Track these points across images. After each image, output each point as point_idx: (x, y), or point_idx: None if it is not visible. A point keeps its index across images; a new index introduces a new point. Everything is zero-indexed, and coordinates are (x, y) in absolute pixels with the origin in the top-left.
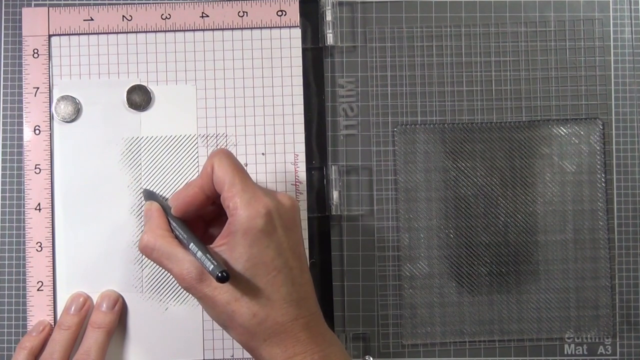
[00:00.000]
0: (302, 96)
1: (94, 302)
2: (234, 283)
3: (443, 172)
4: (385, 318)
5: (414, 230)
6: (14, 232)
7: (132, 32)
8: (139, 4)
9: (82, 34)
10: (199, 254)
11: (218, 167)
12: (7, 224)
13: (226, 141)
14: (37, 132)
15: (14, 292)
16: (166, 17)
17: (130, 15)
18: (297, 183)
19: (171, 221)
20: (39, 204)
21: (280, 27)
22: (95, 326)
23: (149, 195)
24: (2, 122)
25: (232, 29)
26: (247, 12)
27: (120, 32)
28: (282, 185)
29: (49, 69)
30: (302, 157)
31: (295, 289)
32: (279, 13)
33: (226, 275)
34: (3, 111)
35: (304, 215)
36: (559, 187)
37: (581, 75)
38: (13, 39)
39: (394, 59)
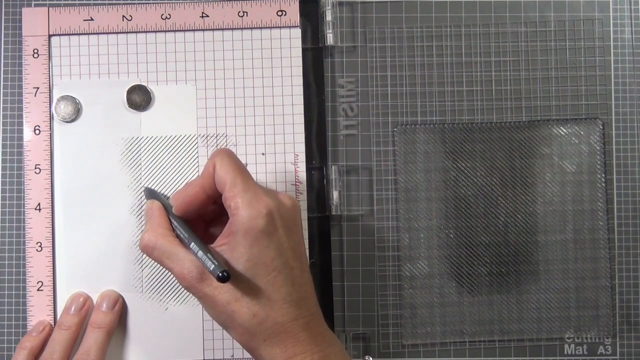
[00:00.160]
0: (302, 96)
1: (94, 302)
2: (235, 283)
3: (443, 172)
4: (385, 318)
5: (414, 230)
6: (14, 232)
7: (132, 32)
8: (139, 4)
9: (82, 34)
10: (200, 253)
11: (220, 167)
12: (7, 224)
13: (226, 141)
14: (37, 132)
15: (14, 292)
16: (166, 17)
17: (130, 15)
18: (297, 183)
19: (172, 220)
20: (39, 204)
21: (280, 27)
22: (95, 326)
23: (150, 193)
24: (2, 122)
25: (232, 29)
26: (247, 12)
27: (120, 32)
28: (282, 185)
29: (49, 69)
30: (302, 157)
31: (296, 289)
32: (279, 13)
33: (227, 275)
34: (3, 111)
35: (304, 215)
36: (559, 187)
37: (581, 75)
38: (13, 39)
39: (394, 59)
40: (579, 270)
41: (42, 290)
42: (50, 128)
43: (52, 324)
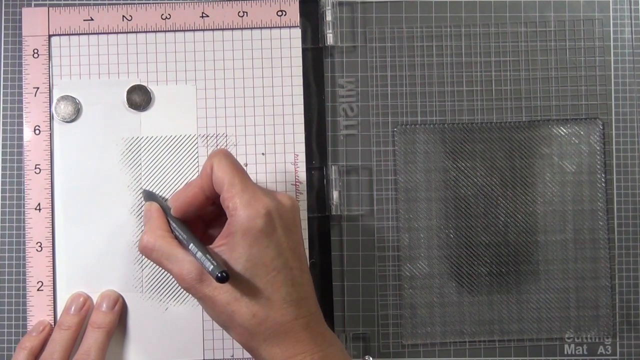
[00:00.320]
0: (302, 96)
1: (94, 302)
2: (234, 283)
3: (443, 172)
4: (385, 318)
5: (414, 230)
6: (14, 232)
7: (132, 32)
8: (139, 4)
9: (82, 34)
10: (199, 254)
11: (217, 168)
12: (7, 224)
13: (226, 141)
14: (37, 132)
15: (14, 292)
16: (166, 17)
17: (130, 15)
18: (297, 183)
19: (171, 222)
20: (39, 204)
21: (280, 27)
22: (95, 326)
23: (149, 195)
24: (2, 122)
25: (232, 29)
26: (247, 12)
27: (120, 32)
28: (282, 185)
29: (49, 69)
30: (302, 157)
31: (295, 289)
32: (279, 13)
33: (226, 275)
34: (3, 111)
35: (303, 215)
36: (559, 187)
37: (581, 75)
38: (13, 39)
39: (394, 59)
40: (579, 270)
41: (42, 290)
42: (50, 128)
43: (52, 324)
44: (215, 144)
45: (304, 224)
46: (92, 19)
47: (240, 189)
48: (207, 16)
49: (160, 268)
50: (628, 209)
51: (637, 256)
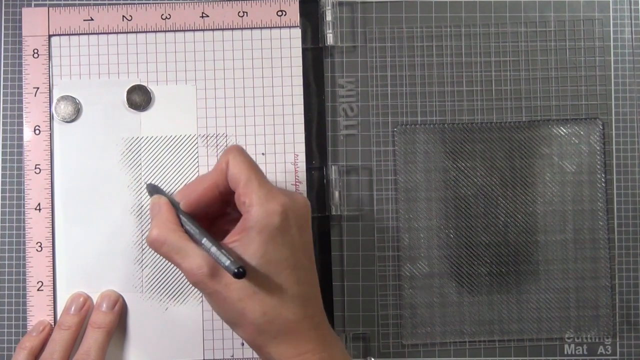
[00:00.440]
0: (302, 96)
1: (94, 302)
2: (247, 280)
3: (443, 172)
4: (385, 318)
5: (414, 230)
6: (14, 232)
7: (132, 32)
8: (139, 4)
9: (82, 34)
10: (213, 249)
11: (233, 164)
12: (7, 224)
13: (226, 141)
14: (37, 132)
15: (14, 292)
16: (166, 17)
17: (130, 15)
18: (297, 183)
19: (181, 216)
20: (39, 204)
21: (280, 27)
22: (95, 326)
23: (154, 189)
24: (2, 122)
25: (232, 29)
26: (247, 12)
27: (120, 32)
28: (282, 185)
29: (49, 69)
30: (302, 157)
31: (305, 288)
32: (279, 13)
33: (243, 271)
34: (3, 111)
35: None
36: (559, 187)
37: (581, 75)
38: (13, 39)
39: (394, 59)
40: (579, 270)
41: (42, 290)
42: (50, 128)
43: (52, 324)
44: (215, 144)
45: None
46: (92, 19)
47: (257, 186)
48: (207, 16)
49: (160, 268)
50: (628, 209)
51: (637, 256)
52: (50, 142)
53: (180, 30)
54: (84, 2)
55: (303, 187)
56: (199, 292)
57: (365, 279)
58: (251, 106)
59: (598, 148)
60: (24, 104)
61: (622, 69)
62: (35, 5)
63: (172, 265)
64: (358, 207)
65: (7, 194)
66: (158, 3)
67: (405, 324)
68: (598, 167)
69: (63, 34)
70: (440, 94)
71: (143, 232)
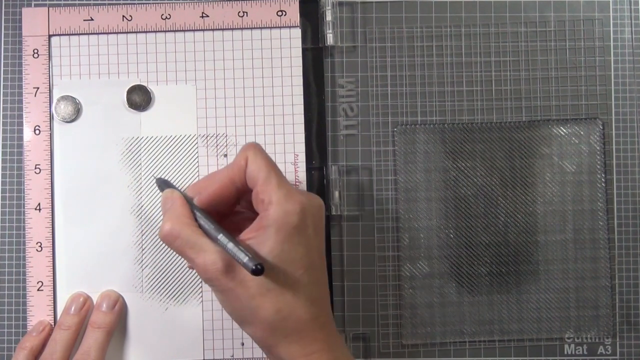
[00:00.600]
0: (302, 96)
1: (94, 302)
2: (263, 277)
3: (443, 172)
4: (385, 318)
5: (414, 230)
6: (14, 232)
7: (132, 32)
8: (139, 4)
9: (82, 34)
10: (230, 245)
11: (252, 161)
12: (7, 224)
13: (226, 141)
14: (37, 132)
15: (14, 292)
16: (166, 17)
17: (130, 15)
18: (297, 183)
19: (195, 211)
20: (39, 204)
21: (280, 27)
22: (95, 326)
23: (164, 183)
24: (2, 122)
25: (232, 29)
26: (247, 12)
27: (120, 32)
28: None
29: (49, 69)
30: (302, 157)
31: (317, 288)
32: (279, 13)
33: (261, 268)
34: (3, 111)
35: None
36: (559, 187)
37: (581, 75)
38: (13, 39)
39: (394, 59)
40: (579, 270)
41: (42, 290)
42: (50, 128)
43: (52, 324)
44: (216, 144)
45: None
46: (92, 19)
47: (276, 184)
48: (207, 16)
49: (160, 268)
50: (628, 209)
51: (637, 256)
52: (50, 142)
53: (180, 30)
54: (84, 2)
55: (303, 187)
56: (199, 292)
57: (365, 279)
58: (251, 106)
59: (598, 148)
60: (24, 104)
61: (622, 69)
62: (35, 5)
63: (172, 265)
64: (358, 207)
65: (7, 194)
66: (158, 3)
67: (405, 324)
68: (598, 167)
69: (63, 34)
70: (440, 94)
71: (143, 232)
